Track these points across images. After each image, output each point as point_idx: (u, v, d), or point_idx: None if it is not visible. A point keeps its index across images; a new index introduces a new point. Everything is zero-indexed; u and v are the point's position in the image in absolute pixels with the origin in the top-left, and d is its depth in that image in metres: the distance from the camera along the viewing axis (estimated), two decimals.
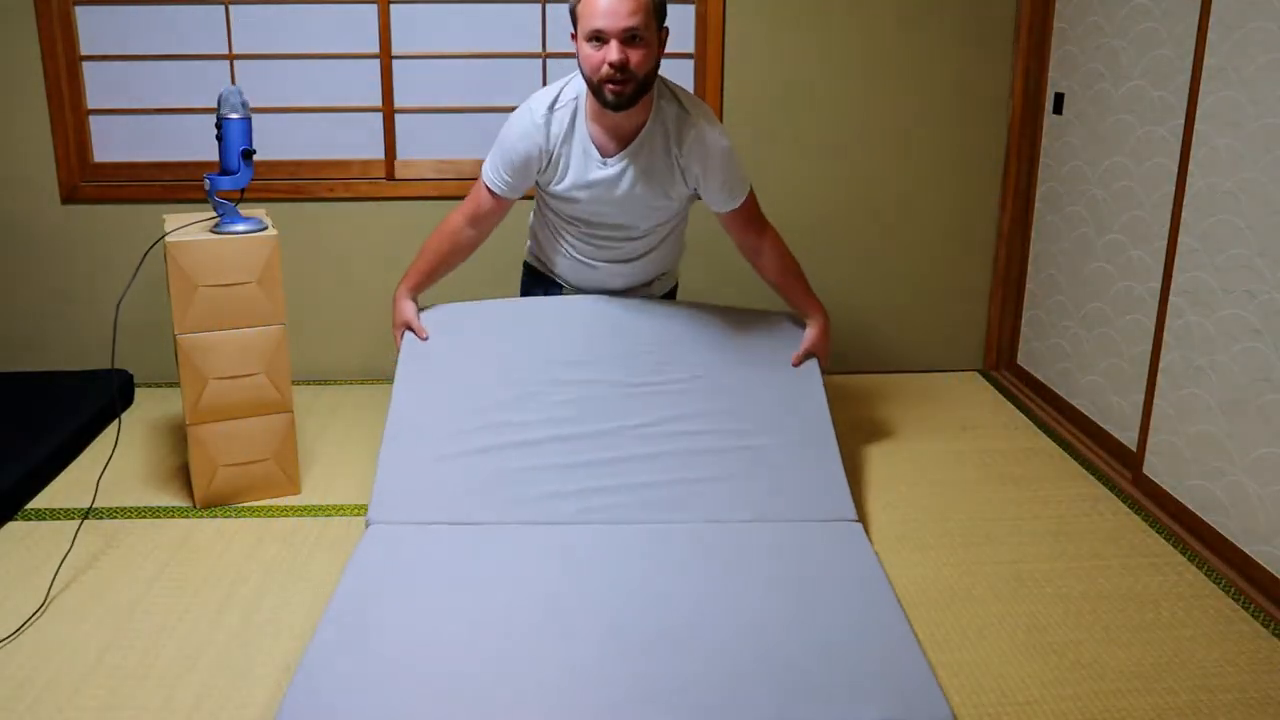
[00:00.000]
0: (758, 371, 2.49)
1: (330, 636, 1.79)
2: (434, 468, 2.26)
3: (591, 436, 2.33)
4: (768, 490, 2.27)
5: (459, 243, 2.54)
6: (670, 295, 2.74)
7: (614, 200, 2.39)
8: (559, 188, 2.41)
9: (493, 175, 2.43)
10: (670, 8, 3.18)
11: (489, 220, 2.54)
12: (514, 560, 2.04)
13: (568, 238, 2.52)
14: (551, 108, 2.31)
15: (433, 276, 2.58)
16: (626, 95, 2.19)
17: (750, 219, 2.47)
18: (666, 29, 2.28)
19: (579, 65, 2.23)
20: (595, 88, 2.21)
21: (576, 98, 2.31)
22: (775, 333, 2.57)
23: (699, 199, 2.45)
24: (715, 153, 2.33)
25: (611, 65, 2.13)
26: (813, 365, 2.54)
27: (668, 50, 3.07)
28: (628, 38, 2.13)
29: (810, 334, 2.54)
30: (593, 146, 2.33)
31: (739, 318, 2.60)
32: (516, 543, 2.10)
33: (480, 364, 2.45)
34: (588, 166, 2.35)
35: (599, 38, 2.14)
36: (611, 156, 2.33)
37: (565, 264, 2.56)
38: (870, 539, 2.37)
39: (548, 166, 2.39)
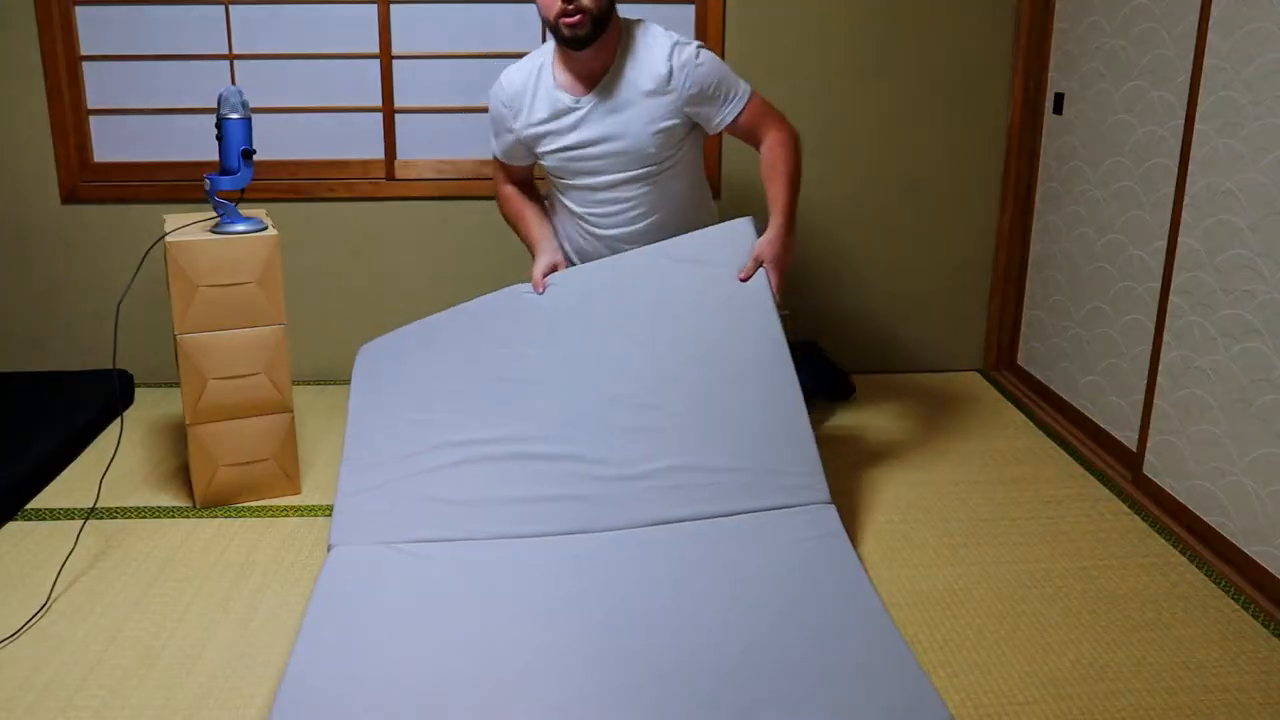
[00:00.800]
0: (714, 325, 2.32)
1: (304, 664, 1.72)
2: (392, 487, 2.19)
3: (545, 440, 2.22)
4: (734, 481, 2.16)
5: (522, 195, 2.61)
6: None
7: (593, 142, 2.41)
8: (542, 146, 2.45)
9: (492, 143, 2.55)
10: (670, 8, 3.20)
11: (519, 178, 2.62)
12: (482, 575, 1.98)
13: (575, 213, 2.52)
14: (514, 69, 2.44)
15: (540, 227, 2.57)
16: (584, 30, 2.25)
17: (761, 117, 2.41)
18: None
19: (539, 12, 2.29)
20: (554, 27, 2.27)
21: (544, 54, 2.41)
22: (728, 258, 2.37)
23: (694, 130, 2.43)
24: (700, 61, 2.34)
25: (565, 1, 2.21)
26: (769, 308, 2.30)
27: None
28: None
29: (762, 238, 2.35)
30: (562, 92, 2.39)
31: (684, 253, 2.40)
32: (482, 556, 2.03)
33: (427, 382, 2.38)
34: (557, 111, 2.40)
35: None
36: (582, 98, 2.38)
37: (581, 245, 2.56)
38: (868, 538, 2.38)
39: (519, 116, 2.44)
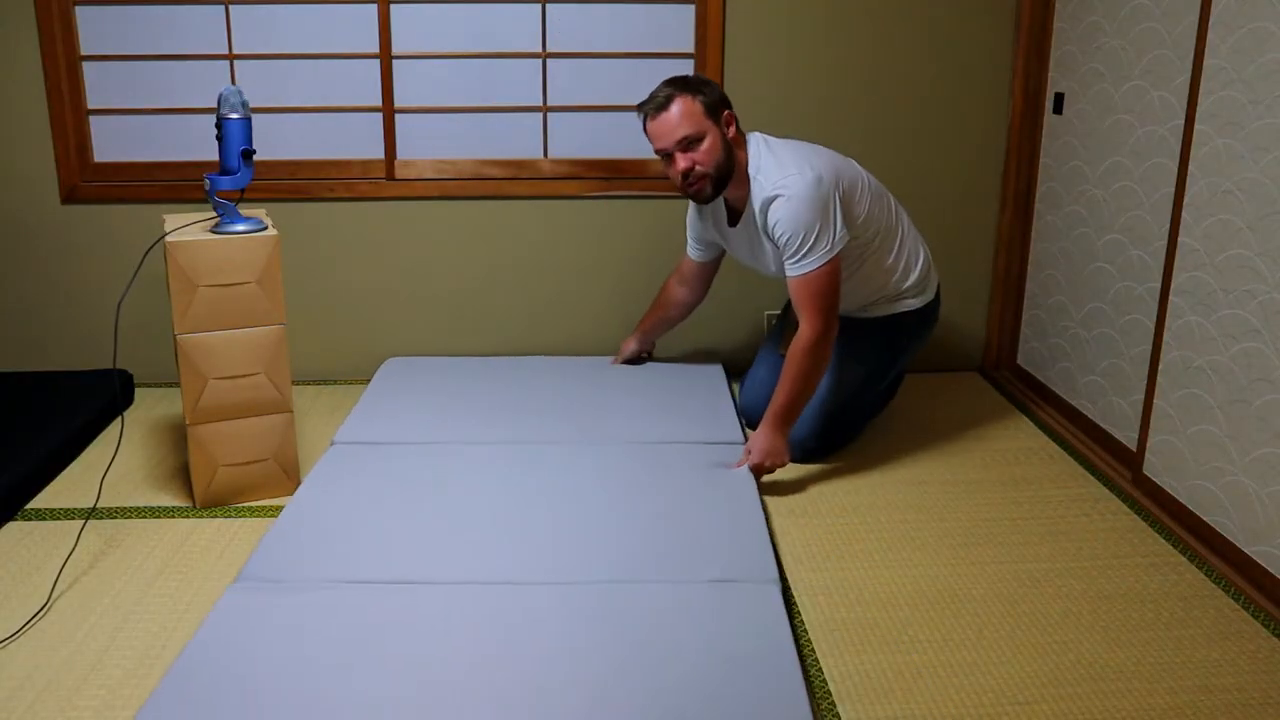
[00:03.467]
0: (660, 390, 3.04)
1: (282, 534, 2.21)
2: (395, 411, 2.87)
3: (518, 416, 2.85)
4: (666, 424, 2.78)
5: (666, 297, 3.03)
6: (898, 321, 2.77)
7: (747, 258, 2.73)
8: (724, 244, 2.83)
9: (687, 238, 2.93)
10: (668, 8, 3.20)
11: (691, 279, 2.97)
12: (456, 470, 2.52)
13: None
14: None
15: (649, 323, 3.11)
16: (708, 191, 2.53)
17: (801, 299, 2.50)
18: (729, 112, 2.53)
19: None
20: (685, 193, 2.57)
21: None
22: (701, 384, 3.08)
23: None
24: (781, 212, 2.47)
25: (682, 174, 2.48)
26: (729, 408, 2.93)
27: (668, 50, 3.06)
28: (685, 145, 2.46)
29: (754, 433, 2.57)
30: (724, 212, 2.70)
31: (668, 371, 3.19)
32: (459, 459, 2.58)
33: (432, 395, 3.02)
34: (722, 229, 2.74)
35: (665, 156, 2.51)
36: (735, 224, 2.67)
37: None
38: (869, 538, 2.38)
39: (704, 226, 2.82)
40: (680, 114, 2.45)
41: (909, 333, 2.79)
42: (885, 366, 2.80)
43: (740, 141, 2.55)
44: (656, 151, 2.52)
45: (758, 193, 2.50)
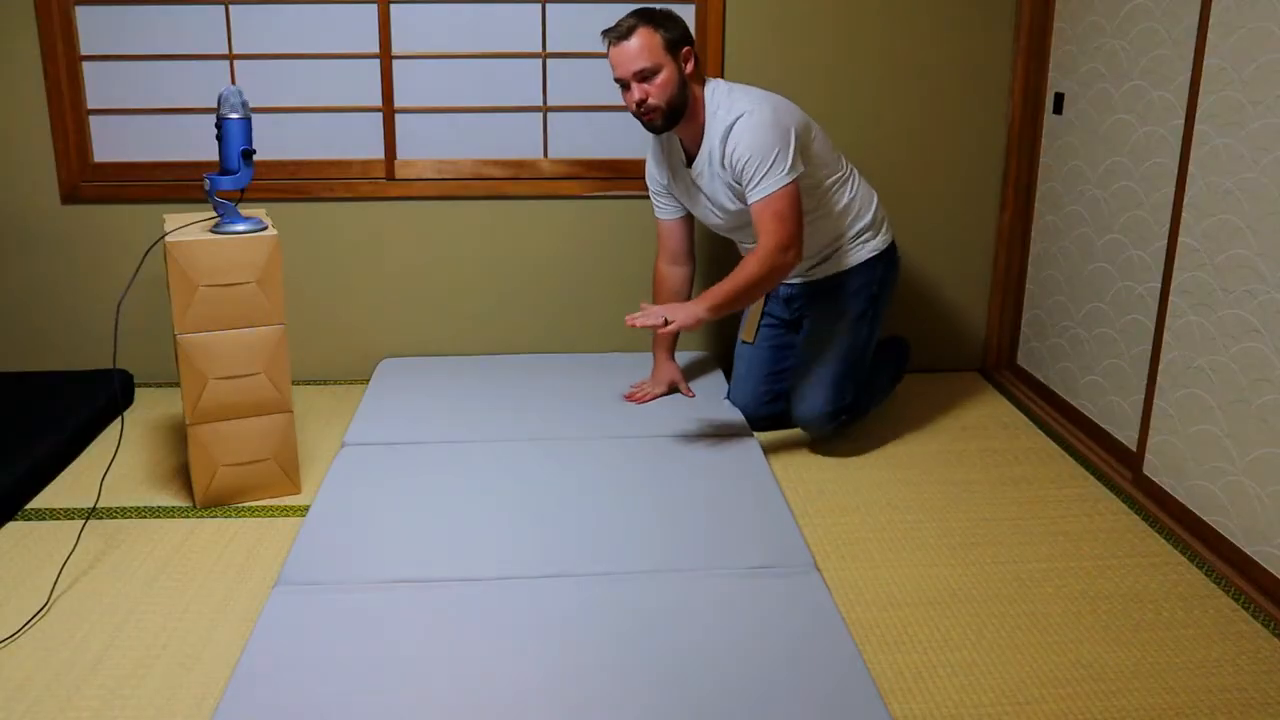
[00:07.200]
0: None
1: (313, 539, 2.23)
2: (401, 411, 2.89)
3: (525, 413, 2.88)
4: (676, 418, 2.83)
5: (665, 285, 2.92)
6: (864, 268, 2.79)
7: (701, 204, 2.73)
8: (679, 195, 2.80)
9: (652, 201, 2.90)
10: (670, 8, 3.19)
11: (670, 247, 2.90)
12: (475, 468, 2.55)
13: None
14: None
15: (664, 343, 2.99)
16: (659, 122, 2.56)
17: (763, 218, 2.53)
18: (689, 49, 2.56)
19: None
20: (639, 119, 2.60)
21: None
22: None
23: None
24: (740, 137, 2.51)
25: (636, 104, 2.53)
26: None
27: None
28: (640, 76, 2.50)
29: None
30: (682, 151, 2.69)
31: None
32: (475, 456, 2.62)
33: (436, 394, 3.04)
34: (678, 172, 2.74)
35: (622, 84, 2.55)
36: (693, 163, 2.67)
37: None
38: (869, 538, 2.38)
39: (662, 172, 2.80)
40: (639, 46, 2.49)
41: (879, 279, 2.82)
42: (868, 315, 2.82)
43: (698, 78, 2.60)
44: (615, 79, 2.57)
45: (716, 127, 2.56)
